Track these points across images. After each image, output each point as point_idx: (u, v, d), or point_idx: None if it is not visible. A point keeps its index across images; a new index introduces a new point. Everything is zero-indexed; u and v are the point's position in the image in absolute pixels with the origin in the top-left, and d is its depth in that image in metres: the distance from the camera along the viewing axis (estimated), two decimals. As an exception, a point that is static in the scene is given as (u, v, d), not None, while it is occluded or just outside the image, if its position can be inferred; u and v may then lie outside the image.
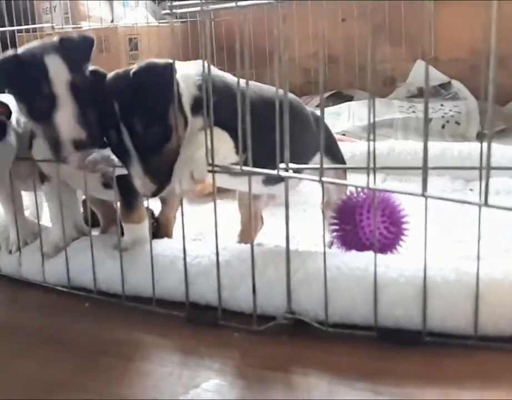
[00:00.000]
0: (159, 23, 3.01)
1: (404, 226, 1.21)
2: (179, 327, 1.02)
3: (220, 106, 0.97)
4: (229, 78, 1.11)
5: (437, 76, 2.94)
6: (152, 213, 1.34)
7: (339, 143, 2.07)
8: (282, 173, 0.88)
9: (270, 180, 1.12)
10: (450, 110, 2.61)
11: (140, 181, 0.98)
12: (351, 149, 1.93)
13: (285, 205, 0.91)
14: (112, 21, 2.98)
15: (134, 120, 0.97)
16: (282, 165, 0.89)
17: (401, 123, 2.48)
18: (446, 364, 0.87)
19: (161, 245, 1.12)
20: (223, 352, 0.94)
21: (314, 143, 1.19)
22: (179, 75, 1.01)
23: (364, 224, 1.17)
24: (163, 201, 1.31)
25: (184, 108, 1.02)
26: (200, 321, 1.02)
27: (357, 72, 3.05)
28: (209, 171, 0.97)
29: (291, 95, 1.17)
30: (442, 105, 2.67)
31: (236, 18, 0.95)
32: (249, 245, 1.00)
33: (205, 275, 1.04)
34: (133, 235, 1.15)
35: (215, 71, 1.09)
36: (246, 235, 1.33)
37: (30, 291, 1.21)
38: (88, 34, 1.16)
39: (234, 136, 0.98)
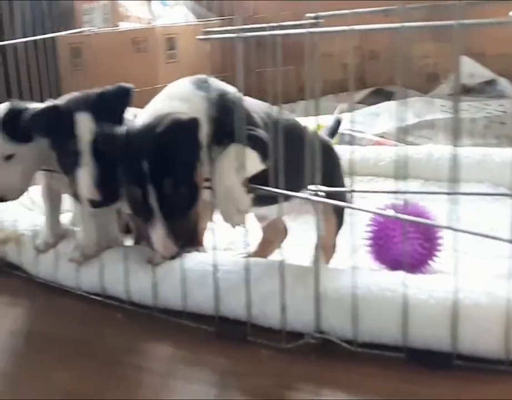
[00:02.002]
0: (198, 21, 3.01)
1: (438, 241, 1.20)
2: (208, 342, 1.03)
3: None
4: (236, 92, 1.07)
5: (482, 73, 2.87)
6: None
7: (378, 147, 2.07)
8: (312, 197, 0.88)
9: (263, 201, 1.08)
10: (495, 110, 2.55)
11: (160, 243, 0.96)
12: (389, 154, 1.91)
13: (317, 228, 0.91)
14: (150, 21, 2.99)
15: (163, 182, 0.94)
16: (312, 188, 0.89)
17: (442, 123, 2.43)
18: (475, 390, 0.86)
19: (192, 259, 1.12)
20: (250, 370, 0.95)
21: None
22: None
23: (397, 240, 1.17)
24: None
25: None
26: (229, 337, 1.03)
27: (406, 68, 3.00)
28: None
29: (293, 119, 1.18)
30: (486, 104, 2.61)
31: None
32: (278, 262, 1.00)
33: (235, 290, 1.04)
34: None
35: (221, 86, 1.07)
36: (265, 247, 1.34)
37: (65, 299, 1.23)
38: (126, 84, 1.15)
39: (255, 147, 0.99)
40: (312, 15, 0.81)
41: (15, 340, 1.11)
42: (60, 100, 1.15)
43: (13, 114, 1.21)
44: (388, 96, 2.93)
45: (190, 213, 0.96)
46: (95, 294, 1.20)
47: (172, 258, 0.99)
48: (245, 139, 0.96)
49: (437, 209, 1.15)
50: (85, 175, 1.08)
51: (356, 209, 0.87)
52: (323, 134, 1.37)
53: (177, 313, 1.09)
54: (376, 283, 0.98)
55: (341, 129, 2.28)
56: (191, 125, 0.94)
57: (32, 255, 1.31)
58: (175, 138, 0.94)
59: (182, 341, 1.04)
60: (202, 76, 1.07)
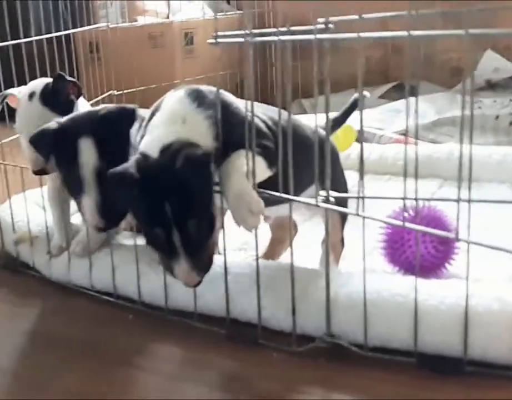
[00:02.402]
0: (216, 15, 2.97)
1: (454, 244, 1.19)
2: (218, 344, 1.03)
3: (239, 131, 0.97)
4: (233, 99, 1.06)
5: (508, 68, 2.83)
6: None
7: (397, 145, 2.04)
8: (321, 204, 0.87)
9: (266, 202, 1.03)
10: (520, 106, 2.50)
11: (185, 277, 0.95)
12: (408, 152, 1.88)
13: (325, 233, 0.90)
14: (168, 15, 2.97)
15: (187, 223, 0.93)
16: (322, 193, 0.88)
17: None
18: (486, 396, 0.85)
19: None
20: (260, 373, 0.95)
21: (311, 172, 1.01)
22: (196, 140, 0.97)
23: (412, 243, 1.16)
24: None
25: None
26: (240, 339, 1.03)
27: (422, 62, 2.97)
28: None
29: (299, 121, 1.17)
30: (511, 100, 2.56)
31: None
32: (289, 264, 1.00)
33: (246, 293, 1.04)
34: None
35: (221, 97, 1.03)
36: (274, 247, 1.34)
37: (78, 299, 1.23)
38: (129, 105, 1.15)
39: (261, 154, 0.99)
40: (322, 20, 0.81)
41: (25, 341, 1.12)
42: (65, 120, 1.14)
43: (53, 86, 1.27)
44: (411, 91, 2.89)
45: (209, 242, 0.97)
46: (107, 295, 1.21)
47: (196, 285, 0.98)
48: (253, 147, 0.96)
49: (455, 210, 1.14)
50: (89, 203, 1.09)
51: (366, 217, 0.86)
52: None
53: (189, 315, 1.10)
54: (387, 288, 0.97)
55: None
56: (205, 160, 0.93)
57: (45, 257, 1.32)
58: (192, 177, 0.92)
59: (192, 343, 1.05)
60: (197, 87, 1.05)
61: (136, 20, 2.85)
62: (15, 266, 1.39)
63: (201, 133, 0.98)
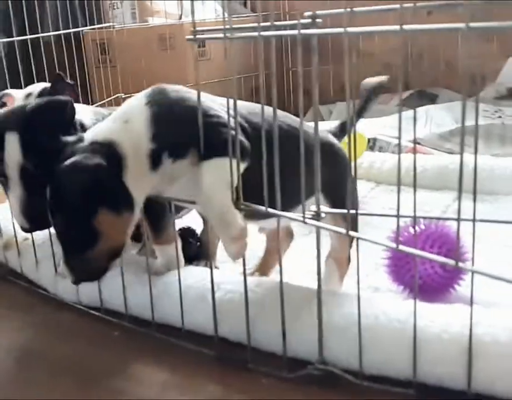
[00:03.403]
0: (230, 17, 2.90)
1: (465, 263, 1.11)
2: (207, 367, 0.96)
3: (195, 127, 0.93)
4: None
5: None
6: (194, 233, 1.30)
7: (411, 154, 1.96)
8: (309, 221, 0.80)
9: (257, 216, 1.01)
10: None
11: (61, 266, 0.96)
12: (421, 162, 1.81)
13: (317, 254, 0.83)
14: (180, 16, 2.91)
15: (55, 216, 0.93)
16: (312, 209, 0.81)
17: (482, 130, 2.27)
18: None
19: (193, 275, 1.07)
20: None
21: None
22: (126, 144, 0.94)
23: (417, 260, 1.08)
24: (204, 221, 1.25)
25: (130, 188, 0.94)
26: (229, 362, 0.96)
27: (442, 69, 2.89)
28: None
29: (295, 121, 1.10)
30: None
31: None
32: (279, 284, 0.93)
33: (236, 313, 0.97)
34: (166, 257, 1.11)
35: (181, 94, 1.00)
36: (270, 257, 1.29)
37: (63, 313, 1.18)
38: (64, 97, 1.11)
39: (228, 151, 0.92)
40: (309, 14, 0.74)
41: (4, 358, 1.07)
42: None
43: (51, 88, 1.28)
44: (432, 98, 2.82)
45: (86, 253, 0.93)
46: (94, 309, 1.15)
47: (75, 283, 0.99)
48: (223, 146, 0.91)
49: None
50: (13, 202, 1.06)
51: (363, 239, 0.79)
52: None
53: (177, 332, 1.04)
54: (385, 311, 0.90)
55: (376, 134, 2.18)
56: (91, 173, 0.90)
57: (32, 262, 1.28)
58: (70, 182, 0.90)
59: (179, 366, 0.98)
60: (162, 86, 1.01)
61: (146, 21, 2.80)
62: (4, 274, 1.35)
63: (138, 134, 0.96)
